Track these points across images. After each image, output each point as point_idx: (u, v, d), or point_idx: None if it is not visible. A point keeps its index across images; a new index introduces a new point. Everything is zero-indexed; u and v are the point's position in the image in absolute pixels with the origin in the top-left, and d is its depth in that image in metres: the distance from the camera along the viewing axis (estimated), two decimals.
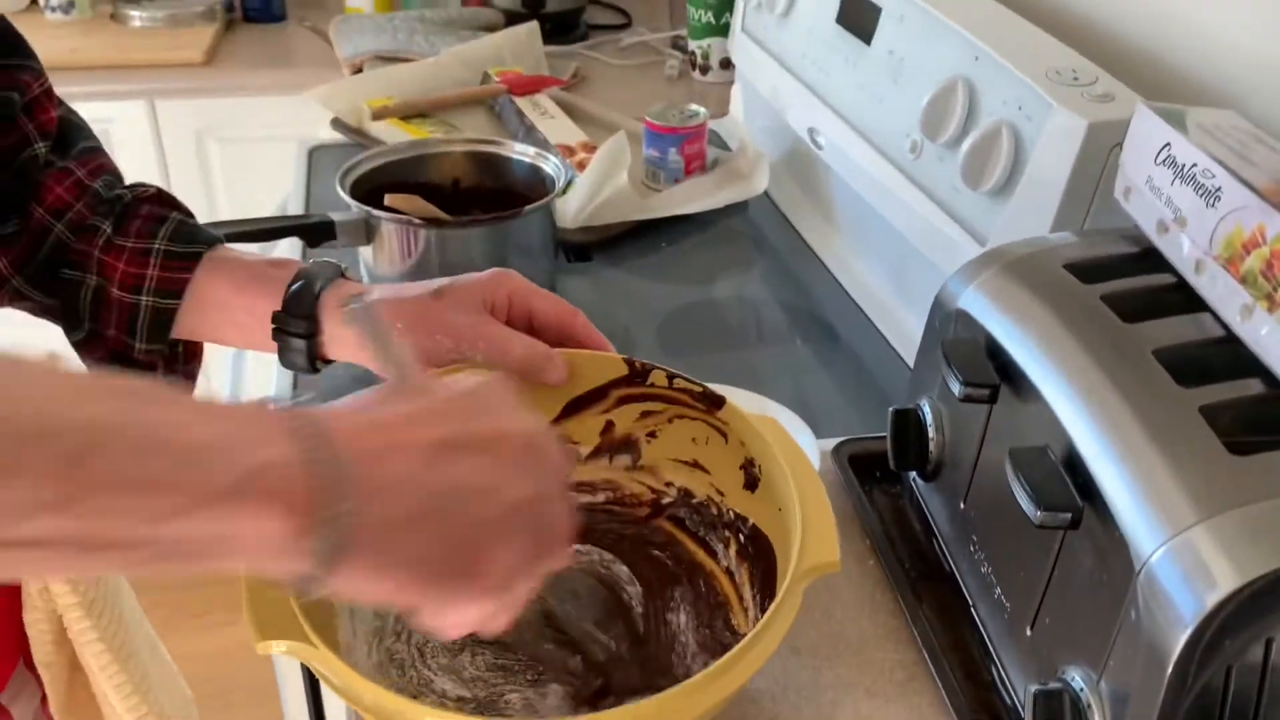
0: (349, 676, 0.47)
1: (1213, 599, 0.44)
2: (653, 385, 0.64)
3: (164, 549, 0.33)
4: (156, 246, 0.65)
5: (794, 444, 0.60)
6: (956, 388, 0.59)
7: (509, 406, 0.43)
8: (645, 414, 0.65)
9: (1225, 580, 0.44)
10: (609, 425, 0.66)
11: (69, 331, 0.67)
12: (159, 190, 0.68)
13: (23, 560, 0.32)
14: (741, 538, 0.63)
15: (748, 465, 0.62)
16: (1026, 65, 0.79)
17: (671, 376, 0.64)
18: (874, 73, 0.97)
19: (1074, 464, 0.53)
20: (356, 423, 0.38)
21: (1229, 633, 0.44)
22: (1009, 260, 0.66)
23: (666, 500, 0.66)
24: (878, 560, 0.71)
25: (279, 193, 1.40)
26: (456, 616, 0.41)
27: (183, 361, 0.70)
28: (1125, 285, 0.60)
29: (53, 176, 0.65)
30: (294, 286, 0.63)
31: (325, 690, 0.93)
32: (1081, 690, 0.50)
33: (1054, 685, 0.52)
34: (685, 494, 0.66)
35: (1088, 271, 0.62)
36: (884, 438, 0.76)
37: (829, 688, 0.62)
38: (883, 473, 0.77)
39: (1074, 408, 0.54)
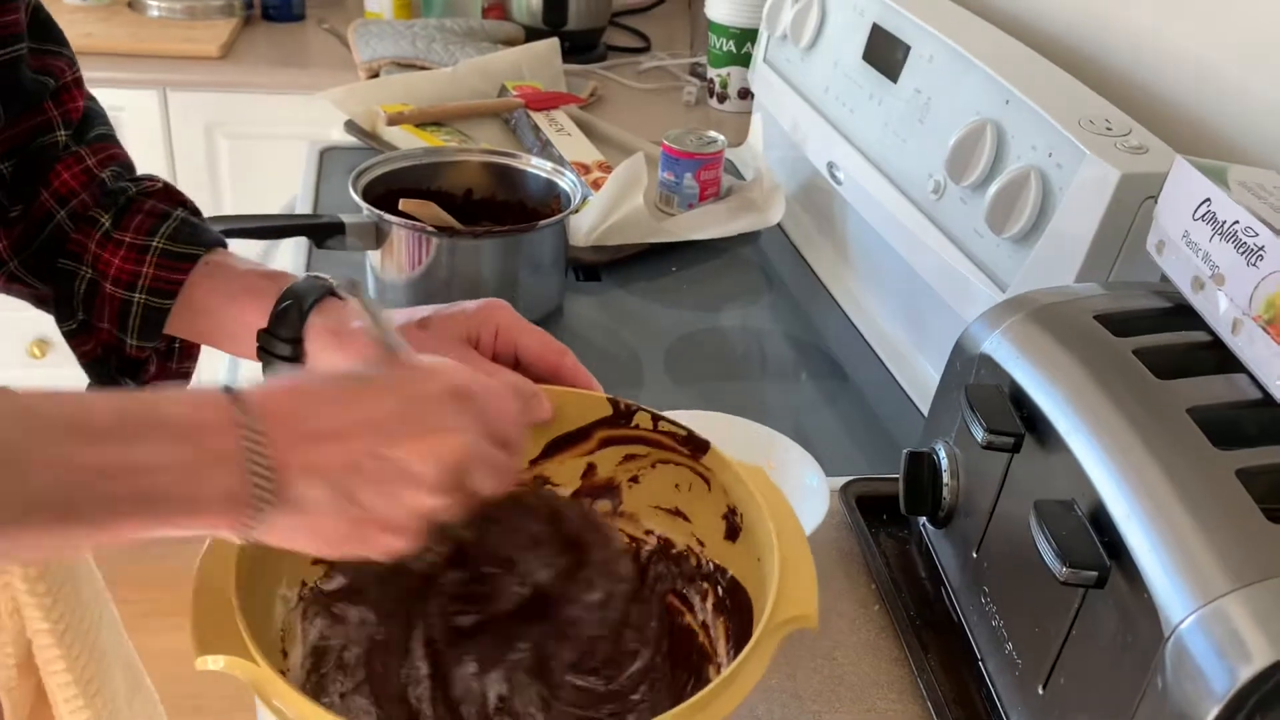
0: (291, 697, 0.44)
1: (1246, 673, 0.42)
2: (637, 427, 0.61)
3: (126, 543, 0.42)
4: (155, 244, 0.63)
5: (778, 493, 0.58)
6: (980, 434, 0.58)
7: (451, 418, 0.47)
8: (628, 457, 0.63)
9: (1260, 654, 0.42)
10: (590, 468, 0.63)
11: (61, 321, 0.65)
12: (166, 185, 0.67)
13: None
14: (719, 590, 0.61)
15: (730, 514, 0.60)
16: (1059, 112, 0.78)
17: (656, 419, 0.61)
18: (899, 111, 0.96)
19: (1101, 521, 0.51)
20: (294, 430, 0.44)
21: (1263, 709, 0.42)
22: (1036, 308, 0.65)
23: (646, 549, 0.64)
24: (883, 605, 0.69)
25: (285, 192, 1.38)
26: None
27: (177, 359, 0.68)
28: (1158, 340, 0.59)
29: (63, 161, 0.63)
30: (281, 305, 0.61)
31: None
32: None
33: None
34: (665, 543, 0.63)
35: (1119, 324, 0.60)
36: (893, 479, 0.74)
37: None
38: (890, 515, 0.76)
39: (1103, 464, 0.53)
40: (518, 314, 0.63)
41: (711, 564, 0.61)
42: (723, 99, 1.54)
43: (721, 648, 0.59)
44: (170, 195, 0.66)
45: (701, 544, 0.62)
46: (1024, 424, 0.58)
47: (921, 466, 0.68)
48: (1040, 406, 0.58)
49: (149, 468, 0.41)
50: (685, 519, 0.63)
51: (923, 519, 0.71)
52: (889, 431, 0.93)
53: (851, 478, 0.78)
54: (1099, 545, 0.50)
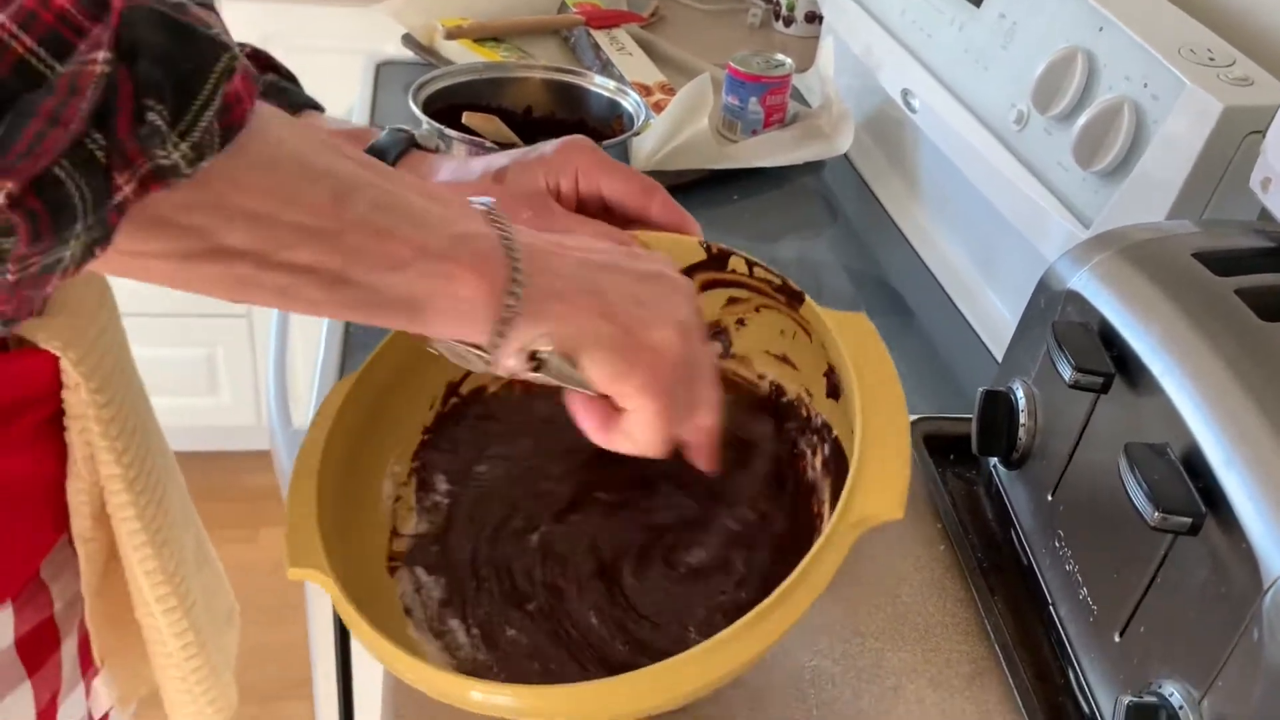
0: (359, 626, 0.45)
1: None
2: (733, 272, 0.59)
3: (383, 295, 0.39)
4: None
5: (878, 349, 0.52)
6: (1067, 373, 0.55)
7: (669, 314, 0.47)
8: (731, 300, 0.61)
9: None
10: None
11: None
12: (255, 50, 0.65)
13: (274, 286, 0.38)
14: (826, 449, 0.58)
15: (829, 372, 0.57)
16: (1157, 40, 0.74)
17: (751, 264, 0.59)
18: (981, 37, 0.92)
19: (1196, 467, 0.49)
20: (533, 233, 0.45)
21: None
22: (1128, 244, 0.62)
23: (760, 394, 0.62)
24: (949, 545, 0.67)
25: (339, 107, 1.36)
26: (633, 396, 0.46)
27: None
28: (1262, 281, 0.56)
29: None
30: None
31: None
32: (1180, 707, 0.47)
33: (1149, 698, 0.48)
34: (777, 390, 0.62)
35: (1219, 263, 0.57)
36: (961, 419, 0.73)
37: (892, 673, 0.59)
38: (957, 455, 0.74)
39: (1200, 408, 0.50)
40: (599, 151, 0.59)
41: (819, 418, 0.59)
42: (788, 22, 1.49)
43: (826, 511, 0.57)
44: (261, 60, 0.64)
45: (810, 395, 0.60)
46: (1113, 364, 0.56)
47: (998, 406, 0.66)
48: (1132, 346, 0.56)
49: (404, 192, 0.40)
50: (794, 367, 0.61)
51: (994, 460, 0.69)
52: (954, 371, 0.90)
53: (919, 416, 0.76)
54: (1194, 491, 0.48)
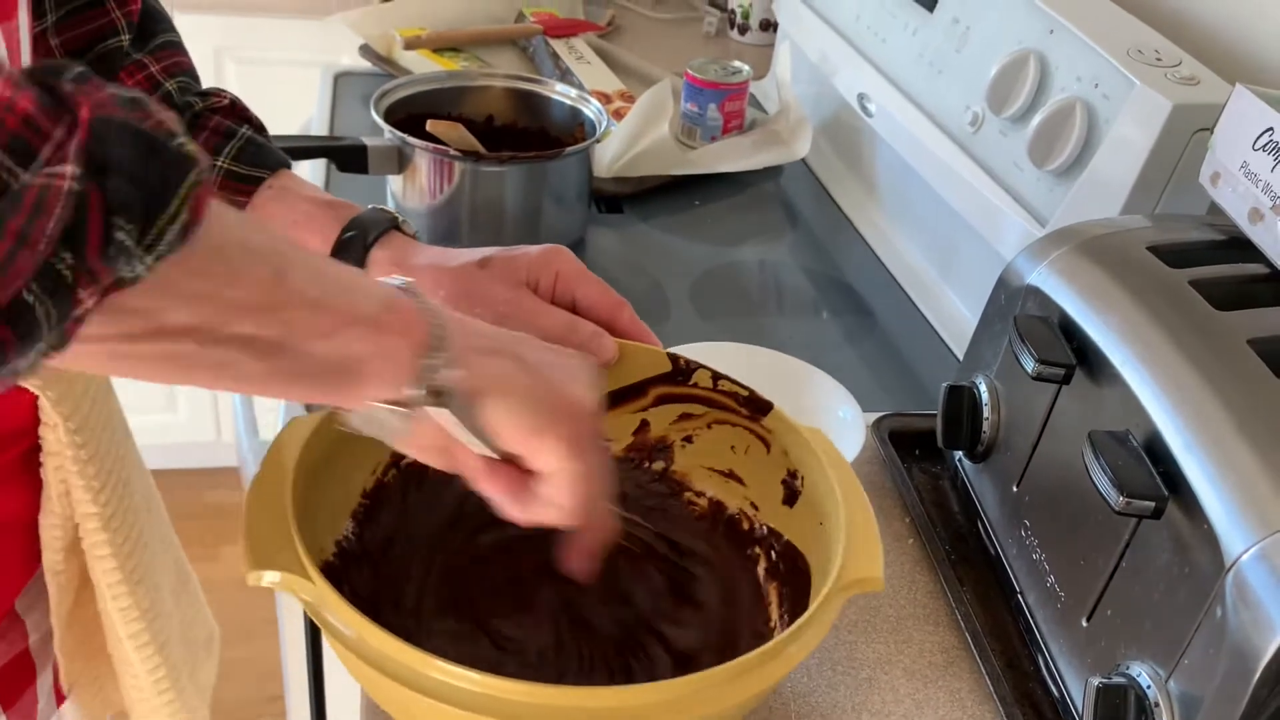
0: (349, 615, 0.44)
1: None
2: (695, 385, 0.60)
3: (318, 361, 0.40)
4: (220, 164, 0.61)
5: (839, 454, 0.57)
6: (1030, 365, 0.57)
7: (583, 382, 0.49)
8: (684, 416, 0.62)
9: None
10: (643, 425, 0.62)
11: None
12: (233, 100, 0.64)
13: (213, 361, 0.38)
14: (772, 554, 0.59)
15: (790, 478, 0.58)
16: (1107, 42, 0.76)
17: (716, 378, 0.60)
18: (935, 41, 0.94)
19: (1157, 453, 0.50)
20: (463, 320, 0.46)
21: None
22: (1084, 239, 0.64)
23: (695, 512, 0.63)
24: (918, 539, 0.68)
25: (295, 121, 1.35)
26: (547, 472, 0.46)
27: None
28: (1215, 272, 0.57)
29: (126, 70, 0.61)
30: (346, 235, 0.60)
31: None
32: (1148, 687, 0.48)
33: (1117, 679, 0.49)
34: (716, 506, 0.62)
35: (1173, 255, 0.59)
36: (926, 415, 0.74)
37: (866, 665, 0.60)
38: (922, 451, 0.75)
39: (1160, 395, 0.52)
40: (579, 261, 0.62)
41: (765, 528, 0.60)
42: (744, 30, 1.51)
43: (774, 612, 0.58)
44: (237, 112, 0.64)
45: (756, 508, 0.61)
46: (1074, 355, 0.57)
47: (961, 400, 0.67)
48: (1092, 338, 0.57)
49: (329, 265, 0.43)
50: (740, 482, 0.61)
51: (959, 454, 0.70)
52: (916, 369, 0.92)
53: (884, 413, 0.77)
54: (1156, 476, 0.49)
